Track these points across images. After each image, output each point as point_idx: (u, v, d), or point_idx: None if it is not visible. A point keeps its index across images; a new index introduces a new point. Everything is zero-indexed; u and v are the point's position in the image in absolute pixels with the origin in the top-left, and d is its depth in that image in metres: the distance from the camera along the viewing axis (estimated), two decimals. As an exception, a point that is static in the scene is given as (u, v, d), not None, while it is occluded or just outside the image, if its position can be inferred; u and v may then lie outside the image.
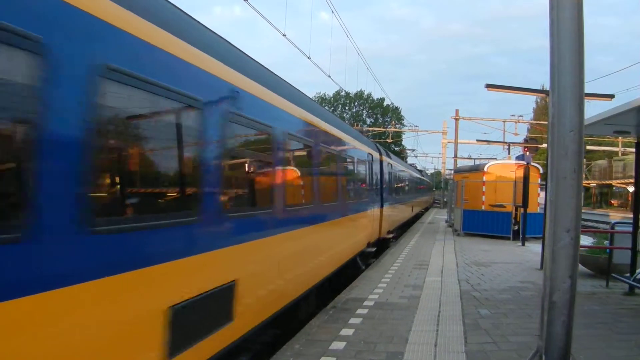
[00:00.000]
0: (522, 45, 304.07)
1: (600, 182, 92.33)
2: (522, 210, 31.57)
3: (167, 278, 6.45)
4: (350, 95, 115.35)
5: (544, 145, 51.21)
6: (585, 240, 21.39)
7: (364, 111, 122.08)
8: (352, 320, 12.67)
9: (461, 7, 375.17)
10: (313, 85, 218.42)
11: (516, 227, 33.86)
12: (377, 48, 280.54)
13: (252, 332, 9.35)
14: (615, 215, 60.70)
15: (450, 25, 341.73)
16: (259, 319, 9.70)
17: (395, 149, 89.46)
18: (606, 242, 19.43)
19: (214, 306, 7.69)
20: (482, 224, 36.13)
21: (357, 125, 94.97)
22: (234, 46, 9.64)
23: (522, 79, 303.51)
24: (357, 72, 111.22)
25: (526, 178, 31.20)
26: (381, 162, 28.63)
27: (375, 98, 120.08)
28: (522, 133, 77.77)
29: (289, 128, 11.52)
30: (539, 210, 34.19)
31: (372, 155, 24.95)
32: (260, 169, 10.30)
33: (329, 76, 33.70)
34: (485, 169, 40.19)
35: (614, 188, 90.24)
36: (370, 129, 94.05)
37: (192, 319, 7.03)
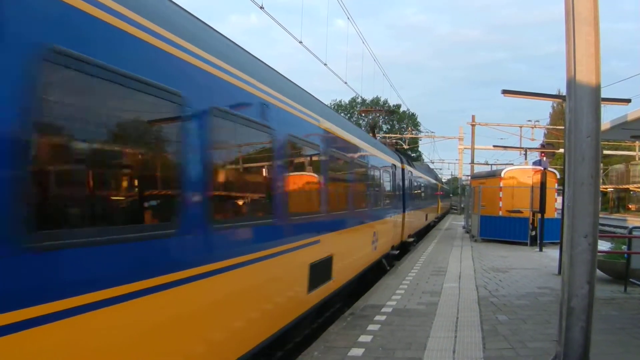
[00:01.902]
0: (538, 51, 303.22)
1: (617, 187, 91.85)
2: (539, 215, 31.50)
3: None
4: (367, 101, 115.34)
5: (561, 150, 51.00)
6: (603, 245, 21.30)
7: (380, 118, 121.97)
8: (371, 327, 12.69)
9: (476, 13, 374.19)
10: (330, 92, 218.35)
11: (533, 233, 33.78)
12: (392, 55, 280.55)
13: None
14: (633, 220, 60.32)
15: (465, 31, 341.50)
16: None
17: (412, 155, 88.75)
18: (624, 247, 19.36)
19: None
20: (500, 229, 36.06)
21: (372, 133, 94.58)
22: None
23: (539, 85, 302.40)
24: (373, 78, 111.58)
25: (543, 183, 31.15)
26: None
27: (391, 104, 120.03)
28: (539, 138, 77.39)
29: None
30: (556, 215, 34.08)
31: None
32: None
33: (345, 82, 33.74)
34: (502, 175, 40.07)
35: (632, 192, 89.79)
36: (387, 135, 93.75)
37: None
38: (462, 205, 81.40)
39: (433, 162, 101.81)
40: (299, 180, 12.00)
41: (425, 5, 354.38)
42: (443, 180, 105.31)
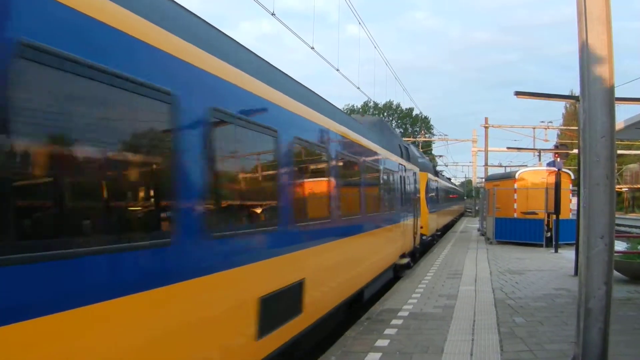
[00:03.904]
0: (551, 52, 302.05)
1: (632, 187, 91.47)
2: (554, 217, 31.41)
3: None
4: (379, 105, 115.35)
5: (575, 150, 50.85)
6: (619, 246, 21.17)
7: (393, 121, 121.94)
8: (387, 331, 12.68)
9: (488, 15, 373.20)
10: (343, 97, 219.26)
11: (549, 234, 33.64)
12: (404, 59, 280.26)
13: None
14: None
15: (477, 34, 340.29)
16: None
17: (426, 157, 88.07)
18: (640, 247, 19.29)
19: None
20: (515, 231, 35.94)
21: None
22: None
23: (552, 86, 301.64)
24: (386, 83, 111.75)
25: (558, 184, 31.05)
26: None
27: (404, 108, 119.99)
28: (552, 139, 77.24)
29: None
30: (571, 216, 33.97)
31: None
32: None
33: (358, 87, 33.70)
34: (516, 177, 40.00)
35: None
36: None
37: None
38: (477, 208, 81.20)
39: (447, 165, 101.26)
40: None
41: (437, 9, 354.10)
42: (454, 181, 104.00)
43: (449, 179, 76.08)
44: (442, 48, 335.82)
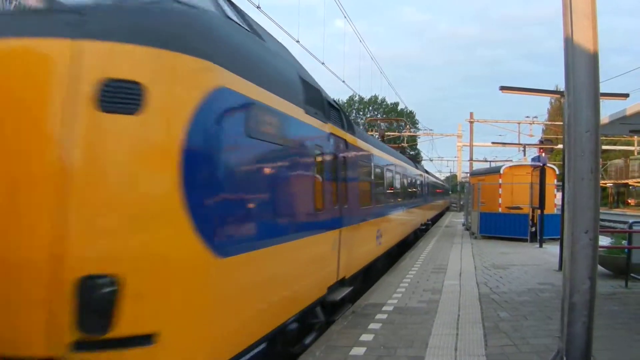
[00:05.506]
0: (538, 48, 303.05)
1: (616, 182, 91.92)
2: (539, 211, 31.47)
3: None
4: (364, 100, 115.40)
5: (560, 146, 51.01)
6: (603, 241, 21.23)
7: (378, 116, 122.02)
8: (372, 326, 12.66)
9: (476, 11, 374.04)
10: (328, 91, 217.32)
11: (533, 229, 33.73)
12: (391, 54, 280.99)
13: None
14: (632, 215, 60.35)
15: (465, 29, 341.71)
16: None
17: (411, 152, 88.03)
18: (624, 242, 19.34)
19: None
20: (499, 226, 35.97)
21: (372, 131, 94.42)
22: None
23: (539, 81, 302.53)
24: (371, 77, 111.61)
25: (542, 179, 31.11)
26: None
27: (389, 103, 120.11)
28: (537, 134, 77.46)
29: None
30: (555, 211, 34.06)
31: None
32: None
33: (343, 81, 33.61)
34: (501, 171, 40.05)
35: (631, 187, 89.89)
36: (385, 133, 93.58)
37: None
38: (462, 203, 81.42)
39: (432, 160, 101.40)
40: None
41: (425, 4, 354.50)
42: (440, 176, 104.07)
43: (418, 162, 60.59)
44: (430, 43, 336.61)
